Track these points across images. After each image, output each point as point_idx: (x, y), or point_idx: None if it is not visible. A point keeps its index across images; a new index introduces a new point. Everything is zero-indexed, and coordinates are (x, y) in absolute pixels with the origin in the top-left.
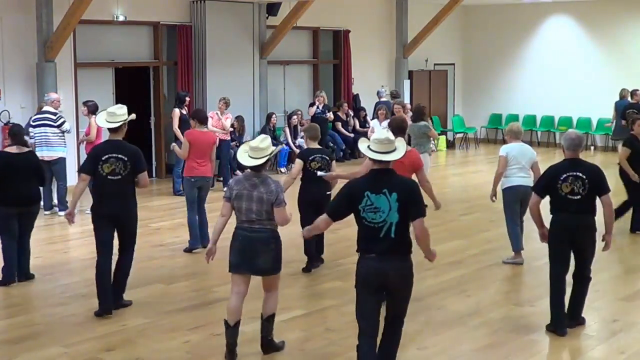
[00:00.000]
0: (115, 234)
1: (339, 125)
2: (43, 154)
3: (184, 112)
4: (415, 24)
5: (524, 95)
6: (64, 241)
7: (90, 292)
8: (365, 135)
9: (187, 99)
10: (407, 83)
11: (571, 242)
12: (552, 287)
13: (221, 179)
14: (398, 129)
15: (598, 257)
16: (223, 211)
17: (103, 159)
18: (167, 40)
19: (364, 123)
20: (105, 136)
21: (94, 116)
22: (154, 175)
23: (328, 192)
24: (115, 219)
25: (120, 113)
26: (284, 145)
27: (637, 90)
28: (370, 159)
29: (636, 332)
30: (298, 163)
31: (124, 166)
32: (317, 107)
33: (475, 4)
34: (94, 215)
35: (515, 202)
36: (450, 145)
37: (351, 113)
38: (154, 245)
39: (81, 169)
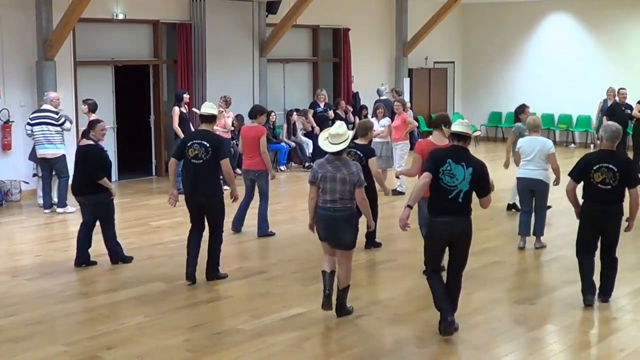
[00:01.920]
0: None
1: None
2: (45, 151)
3: (184, 110)
4: (415, 22)
5: (523, 93)
6: (64, 239)
7: (91, 291)
8: None
9: (186, 96)
10: (406, 81)
11: (599, 228)
12: (579, 265)
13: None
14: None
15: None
16: (311, 194)
17: (188, 144)
18: (166, 39)
19: None
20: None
21: (93, 115)
22: (153, 173)
23: None
24: (197, 200)
25: (212, 107)
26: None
27: (622, 89)
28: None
29: (635, 330)
30: None
31: (205, 151)
32: (318, 106)
33: (475, 2)
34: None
35: (523, 191)
36: None
37: (350, 109)
38: (154, 243)
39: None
